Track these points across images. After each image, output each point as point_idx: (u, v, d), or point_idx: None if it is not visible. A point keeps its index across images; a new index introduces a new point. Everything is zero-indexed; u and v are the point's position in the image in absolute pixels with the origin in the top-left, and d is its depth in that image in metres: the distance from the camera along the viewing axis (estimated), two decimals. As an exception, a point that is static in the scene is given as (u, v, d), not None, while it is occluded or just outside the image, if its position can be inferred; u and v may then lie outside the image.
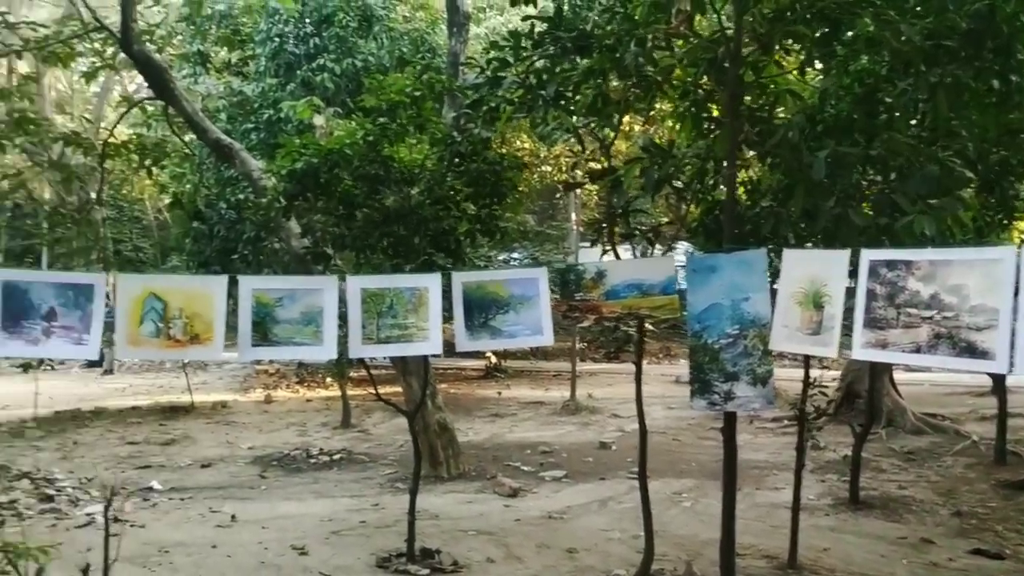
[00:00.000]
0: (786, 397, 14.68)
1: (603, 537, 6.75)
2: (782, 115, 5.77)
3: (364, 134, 6.17)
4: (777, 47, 5.51)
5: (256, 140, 13.81)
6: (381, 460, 10.19)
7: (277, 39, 14.30)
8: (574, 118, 5.64)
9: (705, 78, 5.48)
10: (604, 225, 6.05)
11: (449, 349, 5.08)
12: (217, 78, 16.82)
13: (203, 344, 4.29)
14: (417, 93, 6.14)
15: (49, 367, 14.68)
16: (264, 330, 4.46)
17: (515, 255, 20.08)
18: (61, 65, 10.12)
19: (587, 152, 6.63)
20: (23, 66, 15.78)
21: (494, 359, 18.49)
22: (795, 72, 5.89)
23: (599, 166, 7.38)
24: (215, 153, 9.67)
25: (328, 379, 17.83)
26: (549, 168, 20.29)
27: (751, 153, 6.09)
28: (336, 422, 12.95)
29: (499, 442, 11.35)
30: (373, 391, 6.55)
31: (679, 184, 5.99)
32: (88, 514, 7.49)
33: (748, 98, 5.50)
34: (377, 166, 6.52)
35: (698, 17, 5.49)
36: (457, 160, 6.49)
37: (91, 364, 20.67)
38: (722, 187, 6.20)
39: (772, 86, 5.65)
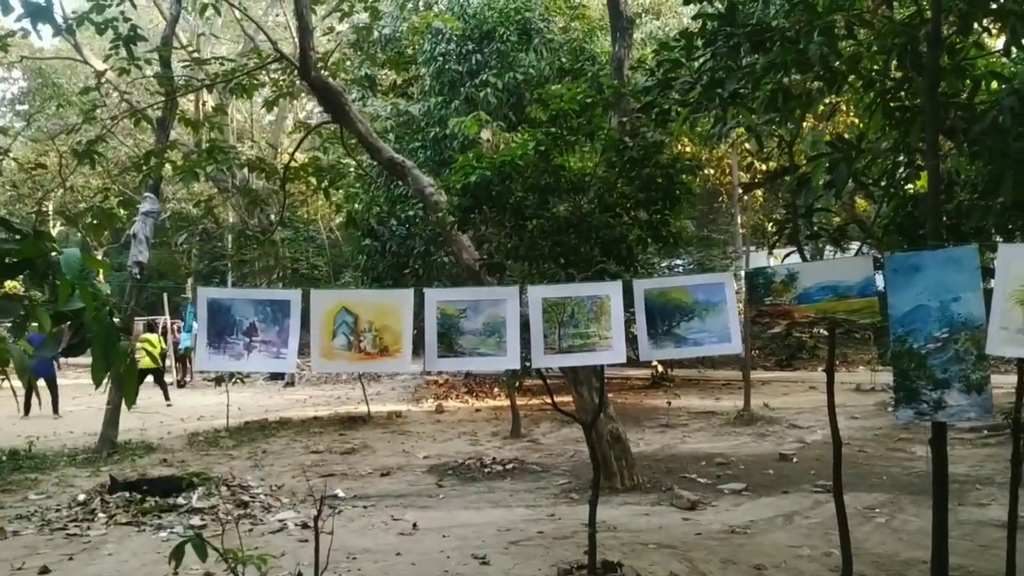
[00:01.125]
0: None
1: (792, 554, 6.42)
2: (983, 100, 5.32)
3: (535, 144, 6.17)
4: (977, 26, 5.10)
5: (423, 158, 14.22)
6: (553, 470, 10.18)
7: (440, 58, 14.68)
8: (752, 116, 5.40)
9: (895, 65, 5.13)
10: (787, 226, 5.80)
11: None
12: (384, 100, 17.50)
13: (392, 356, 4.38)
14: (588, 100, 6.07)
15: (239, 380, 15.62)
16: (449, 341, 4.51)
17: (678, 261, 19.68)
18: (246, 96, 10.77)
19: (764, 151, 6.36)
20: (210, 99, 16.99)
21: (660, 368, 18.17)
22: (997, 54, 5.43)
23: (773, 166, 7.08)
24: (388, 171, 10.00)
25: (496, 389, 18.10)
26: (712, 171, 19.80)
27: (948, 144, 5.65)
28: (506, 432, 13.08)
29: (672, 453, 11.10)
30: (542, 400, 6.57)
31: (867, 180, 5.66)
32: (280, 520, 7.86)
33: (943, 83, 5.11)
34: (548, 176, 6.53)
35: (890, 0, 5.15)
36: (628, 166, 6.38)
37: (273, 376, 21.95)
38: (916, 182, 5.84)
39: (971, 69, 5.23)
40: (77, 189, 24.52)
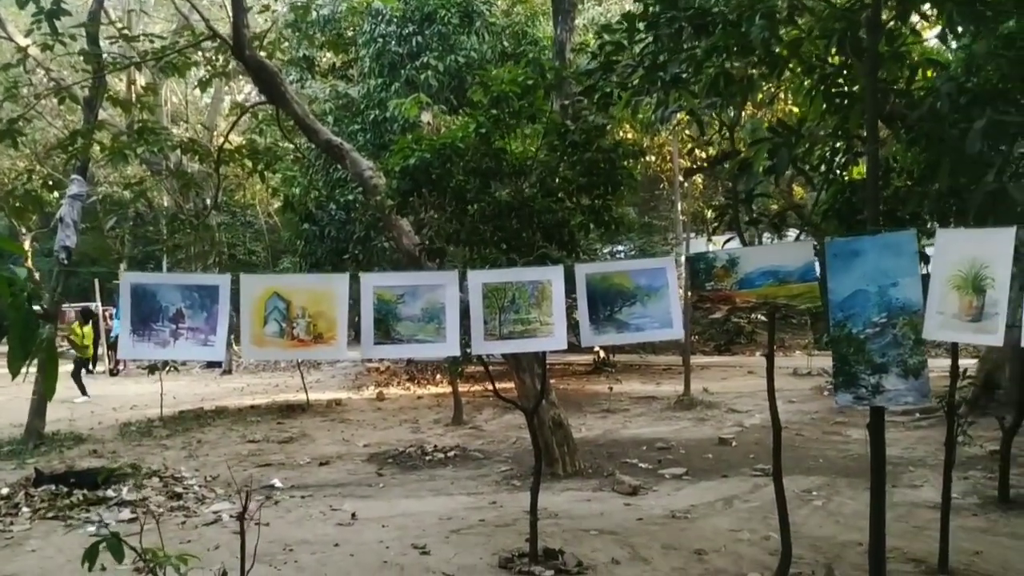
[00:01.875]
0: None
1: (732, 538, 6.46)
2: (920, 87, 5.37)
3: (476, 127, 6.06)
4: (914, 14, 5.14)
5: (363, 141, 13.97)
6: (495, 457, 10.11)
7: (380, 39, 14.43)
8: (695, 100, 5.36)
9: (835, 51, 5.14)
10: (727, 212, 5.79)
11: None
12: (323, 82, 17.16)
13: (327, 343, 4.24)
14: (529, 82, 5.97)
15: (172, 368, 15.22)
16: (386, 328, 4.38)
17: (620, 248, 19.75)
18: (178, 75, 10.42)
19: (705, 137, 6.34)
20: (141, 79, 16.45)
21: (602, 353, 18.24)
22: (932, 41, 5.48)
23: (713, 152, 7.07)
24: (326, 154, 9.79)
25: (438, 376, 17.97)
26: (653, 158, 19.89)
27: (886, 130, 5.70)
28: (448, 419, 12.98)
29: (613, 438, 11.13)
30: (484, 387, 6.47)
31: (806, 167, 5.69)
32: (215, 512, 7.66)
33: (882, 70, 5.13)
34: (489, 159, 6.42)
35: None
36: (570, 150, 6.31)
37: (210, 364, 21.45)
38: (854, 168, 5.88)
39: (909, 56, 5.27)
40: (3, 172, 23.57)
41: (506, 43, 14.56)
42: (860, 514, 7.07)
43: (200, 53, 10.83)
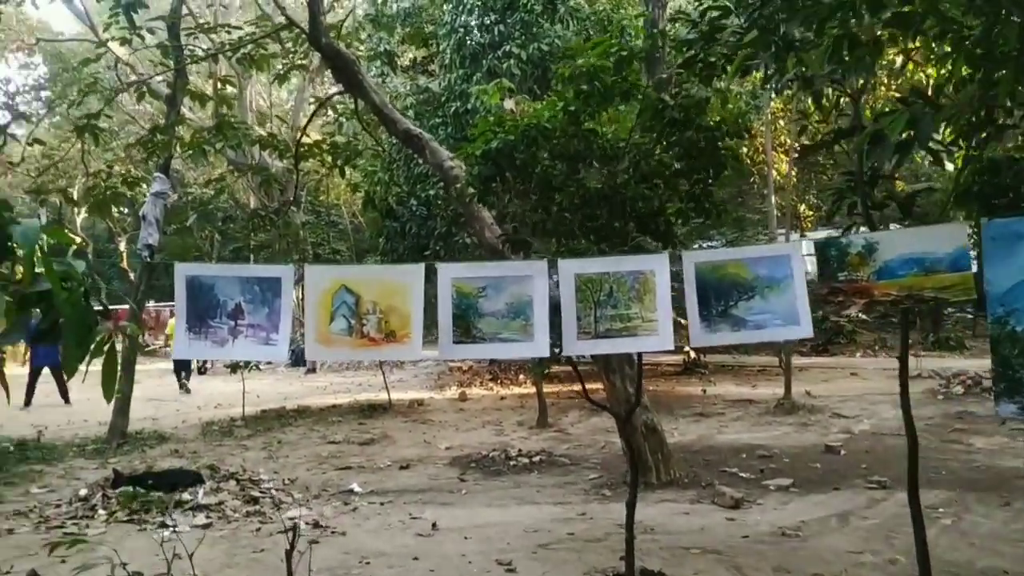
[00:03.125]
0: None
1: (852, 560, 5.76)
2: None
3: (564, 105, 5.52)
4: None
5: (444, 135, 13.59)
6: (583, 463, 9.56)
7: (461, 30, 14.01)
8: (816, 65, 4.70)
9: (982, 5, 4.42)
10: (848, 196, 5.12)
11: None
12: (404, 77, 16.89)
13: (400, 342, 3.77)
14: (623, 53, 5.40)
15: (255, 367, 15.14)
16: (466, 325, 3.89)
17: (712, 244, 18.91)
18: (255, 69, 10.19)
19: (820, 113, 5.65)
20: (223, 74, 16.44)
21: (693, 353, 17.44)
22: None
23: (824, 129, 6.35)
24: (404, 144, 9.40)
25: (521, 376, 17.50)
26: (744, 149, 18.96)
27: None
28: (532, 421, 12.49)
29: (709, 444, 10.44)
30: (571, 388, 5.92)
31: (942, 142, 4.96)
32: (291, 518, 7.31)
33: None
34: (578, 142, 5.89)
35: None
36: (668, 129, 5.71)
37: (294, 363, 21.48)
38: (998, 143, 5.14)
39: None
40: (99, 174, 24.11)
41: (592, 31, 13.95)
42: (997, 535, 6.28)
43: (279, 46, 10.59)
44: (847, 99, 5.18)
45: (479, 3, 13.81)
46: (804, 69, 4.90)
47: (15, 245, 2.38)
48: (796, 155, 13.04)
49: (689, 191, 5.99)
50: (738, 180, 19.32)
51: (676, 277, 3.88)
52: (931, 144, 4.91)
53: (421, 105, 15.22)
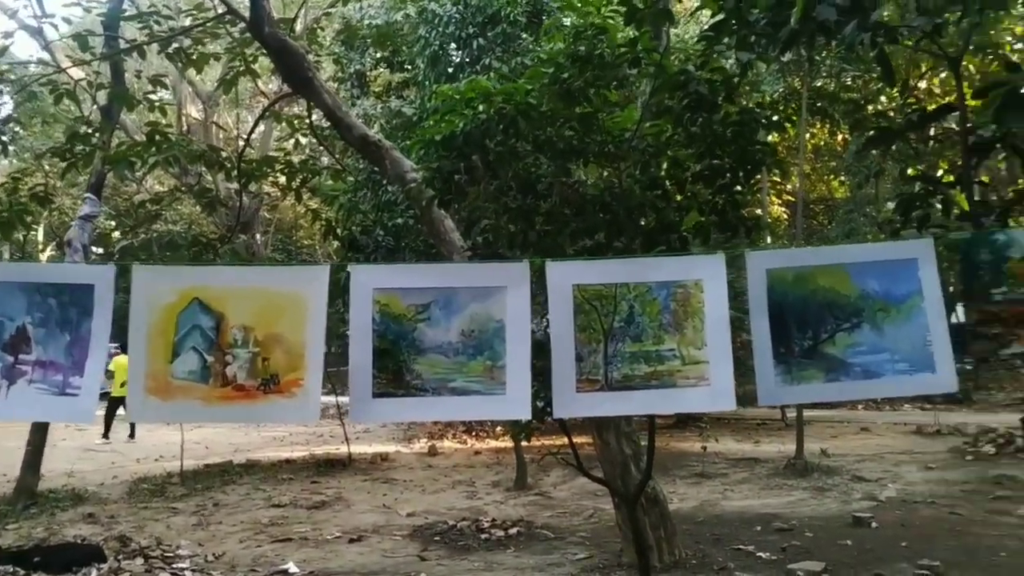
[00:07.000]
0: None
1: None
2: None
3: (553, 74, 4.15)
4: None
5: (417, 159, 12.21)
6: (568, 537, 8.01)
7: (436, 44, 12.72)
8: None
9: None
10: (924, 201, 3.78)
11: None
12: (377, 100, 15.66)
13: (285, 394, 2.30)
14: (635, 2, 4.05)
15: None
16: (397, 367, 2.42)
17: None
18: (194, 68, 8.80)
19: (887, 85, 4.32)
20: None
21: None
22: None
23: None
24: (362, 153, 8.01)
25: (499, 428, 15.91)
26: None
27: None
28: (509, 481, 10.96)
29: (715, 513, 8.93)
30: (557, 443, 4.50)
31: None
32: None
33: None
34: (570, 130, 4.52)
35: None
36: (689, 114, 4.34)
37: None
38: None
39: None
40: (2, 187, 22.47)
41: (581, 48, 12.69)
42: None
43: (224, 46, 9.26)
44: (932, 68, 3.86)
45: (457, 16, 12.55)
46: (886, 15, 3.58)
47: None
48: (858, 148, 11.27)
49: (711, 200, 4.63)
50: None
51: (733, 292, 2.44)
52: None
53: (394, 130, 13.90)
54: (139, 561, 6.97)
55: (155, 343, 2.34)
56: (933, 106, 4.25)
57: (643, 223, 4.68)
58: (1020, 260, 2.39)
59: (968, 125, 3.53)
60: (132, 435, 16.47)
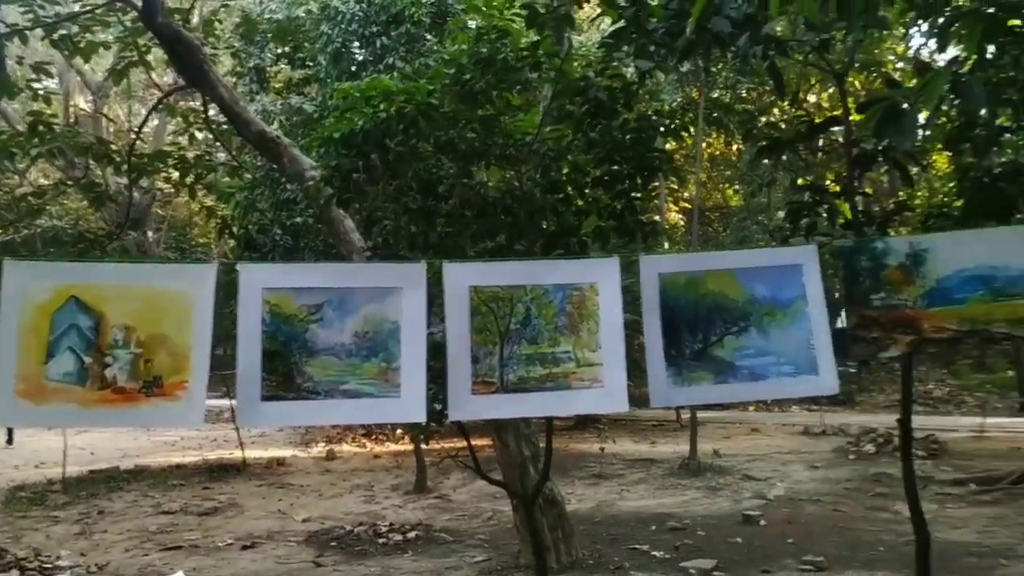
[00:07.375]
0: (953, 450, 12.12)
1: None
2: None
3: (456, 75, 4.14)
4: None
5: (317, 157, 11.99)
6: (467, 540, 8.00)
7: (339, 41, 12.54)
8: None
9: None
10: (810, 211, 3.94)
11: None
12: (276, 96, 15.30)
13: (168, 395, 2.22)
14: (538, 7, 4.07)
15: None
16: (288, 369, 2.36)
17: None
18: (80, 55, 8.41)
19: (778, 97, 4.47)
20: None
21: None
22: None
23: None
24: (259, 150, 7.80)
25: (399, 430, 15.77)
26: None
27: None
28: (408, 484, 10.90)
29: (611, 513, 9.07)
30: (457, 445, 4.50)
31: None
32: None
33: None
34: (472, 132, 4.51)
35: None
36: (589, 120, 4.39)
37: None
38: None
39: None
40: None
41: (484, 49, 12.71)
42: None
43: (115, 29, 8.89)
44: (820, 82, 4.01)
45: (360, 14, 12.39)
46: (778, 30, 3.70)
47: None
48: (751, 158, 11.65)
49: (610, 204, 4.70)
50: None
51: (631, 296, 2.48)
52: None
53: (295, 127, 13.61)
54: (14, 573, 6.61)
55: (27, 343, 2.21)
56: (821, 119, 4.41)
57: (544, 226, 4.71)
58: (897, 268, 2.52)
59: (852, 138, 3.69)
60: (10, 441, 15.74)
